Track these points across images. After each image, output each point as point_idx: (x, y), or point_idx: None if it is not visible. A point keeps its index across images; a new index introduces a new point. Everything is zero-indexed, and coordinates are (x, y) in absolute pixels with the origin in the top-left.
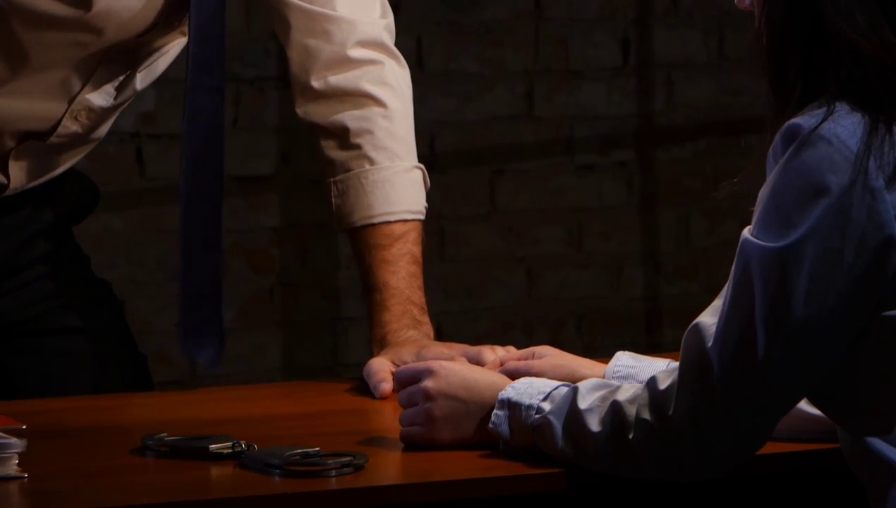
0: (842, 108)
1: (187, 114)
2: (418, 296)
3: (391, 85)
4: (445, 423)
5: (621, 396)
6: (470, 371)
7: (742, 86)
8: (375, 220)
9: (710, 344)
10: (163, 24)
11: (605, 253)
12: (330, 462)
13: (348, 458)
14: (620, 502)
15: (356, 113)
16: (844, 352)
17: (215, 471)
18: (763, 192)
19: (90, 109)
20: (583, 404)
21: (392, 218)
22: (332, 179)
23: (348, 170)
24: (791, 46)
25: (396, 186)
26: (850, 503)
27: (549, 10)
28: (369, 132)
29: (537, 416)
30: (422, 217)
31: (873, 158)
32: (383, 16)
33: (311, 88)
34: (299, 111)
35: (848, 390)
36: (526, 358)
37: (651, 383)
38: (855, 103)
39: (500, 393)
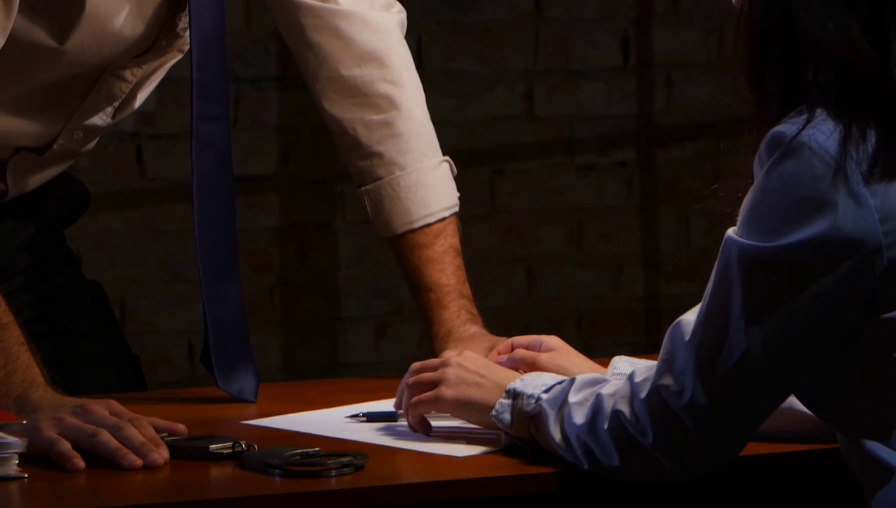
0: (821, 114)
1: (194, 142)
2: (467, 290)
3: (403, 84)
4: (456, 384)
5: (606, 390)
6: (493, 364)
7: (742, 86)
8: (416, 225)
9: (687, 338)
10: (155, 49)
11: (605, 253)
12: (330, 462)
13: (348, 458)
14: (618, 503)
15: (377, 118)
16: (835, 357)
17: (215, 471)
18: (748, 198)
19: (86, 128)
20: (574, 397)
21: (431, 219)
22: (363, 188)
23: (379, 178)
24: (768, 50)
25: (429, 187)
26: (848, 503)
27: (549, 10)
28: (394, 137)
29: (535, 405)
30: (457, 209)
31: (855, 163)
32: (386, 8)
33: (329, 86)
34: (322, 110)
35: (843, 395)
36: (534, 345)
37: (631, 376)
38: (833, 108)
39: (508, 384)
